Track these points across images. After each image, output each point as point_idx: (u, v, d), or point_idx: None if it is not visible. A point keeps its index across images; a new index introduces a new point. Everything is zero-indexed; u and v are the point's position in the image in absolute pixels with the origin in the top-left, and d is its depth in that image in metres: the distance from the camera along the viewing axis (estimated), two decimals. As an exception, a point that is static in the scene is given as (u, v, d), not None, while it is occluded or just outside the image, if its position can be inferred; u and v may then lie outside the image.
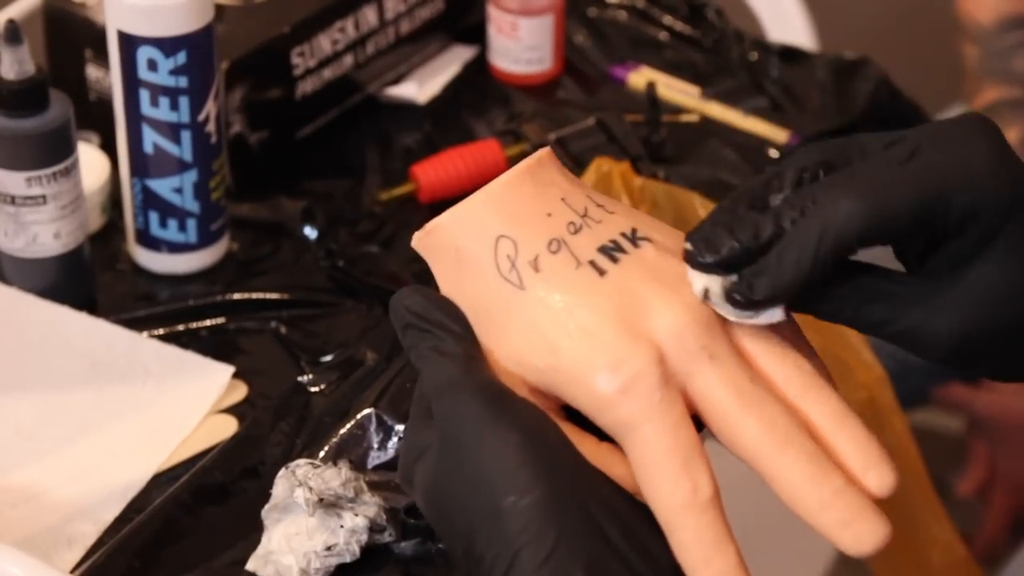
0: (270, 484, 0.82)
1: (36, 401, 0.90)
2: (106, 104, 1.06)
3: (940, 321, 0.64)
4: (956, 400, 1.46)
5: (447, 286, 0.67)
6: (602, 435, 0.65)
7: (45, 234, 0.94)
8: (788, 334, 0.66)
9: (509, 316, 0.65)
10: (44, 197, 0.93)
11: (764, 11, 1.30)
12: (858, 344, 1.02)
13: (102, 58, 1.05)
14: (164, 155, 0.97)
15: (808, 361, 0.66)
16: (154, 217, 0.98)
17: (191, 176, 0.97)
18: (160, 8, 0.92)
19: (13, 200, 0.93)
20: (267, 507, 0.81)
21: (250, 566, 0.81)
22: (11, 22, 0.90)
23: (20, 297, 0.95)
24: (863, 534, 0.61)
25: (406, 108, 1.15)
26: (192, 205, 0.98)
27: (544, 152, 0.68)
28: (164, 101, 0.95)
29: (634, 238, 0.66)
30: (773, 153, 1.11)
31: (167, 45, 0.94)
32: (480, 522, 0.61)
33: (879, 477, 0.63)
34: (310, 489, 0.79)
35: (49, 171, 0.92)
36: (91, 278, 0.98)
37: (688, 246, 0.64)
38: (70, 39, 1.06)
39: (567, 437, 0.63)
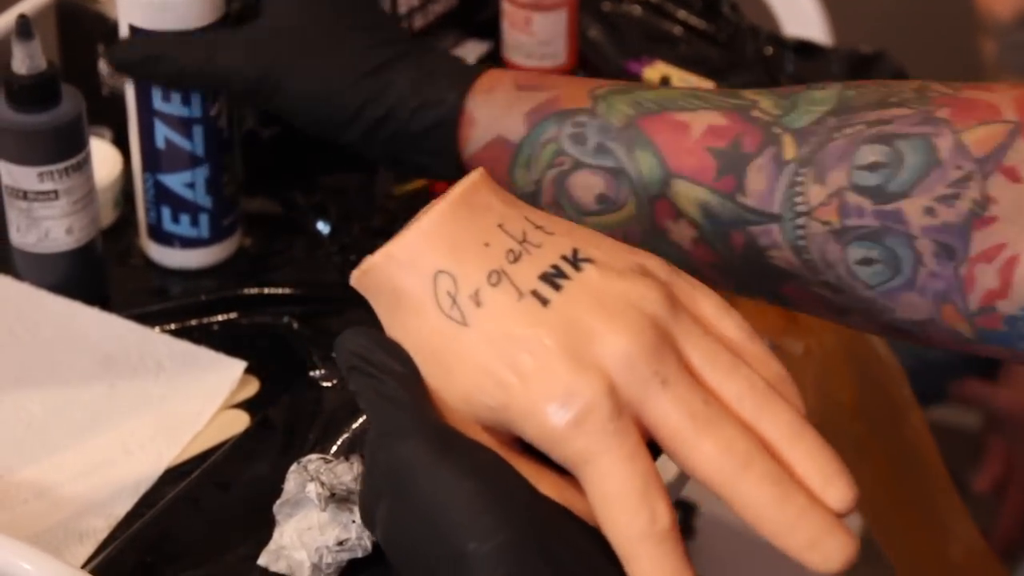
0: (282, 479, 0.81)
1: (48, 396, 0.90)
2: (119, 99, 1.06)
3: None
4: (974, 396, 1.45)
5: (390, 326, 0.66)
6: (562, 468, 0.64)
7: (57, 229, 0.94)
8: (740, 344, 0.65)
9: (455, 355, 0.63)
10: (56, 192, 0.93)
11: (779, 5, 1.29)
12: (876, 340, 1.01)
13: (115, 53, 1.05)
14: (176, 150, 0.96)
15: (763, 373, 0.65)
16: (166, 212, 0.98)
17: (203, 171, 0.97)
18: (171, 2, 0.92)
19: (25, 195, 0.93)
20: (279, 502, 0.81)
21: (262, 561, 0.80)
22: (22, 17, 0.90)
23: (32, 292, 0.95)
24: (831, 553, 0.61)
25: (419, 103, 1.14)
26: (204, 200, 0.98)
27: (477, 175, 0.66)
28: (176, 96, 0.95)
29: (575, 260, 0.65)
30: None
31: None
32: (443, 569, 0.60)
33: (838, 493, 0.62)
34: (322, 484, 0.79)
35: (61, 166, 0.92)
36: (103, 273, 0.98)
37: None
38: (82, 34, 1.06)
39: (523, 477, 0.62)
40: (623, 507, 0.61)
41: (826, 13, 1.28)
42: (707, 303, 0.66)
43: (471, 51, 1.18)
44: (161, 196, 0.98)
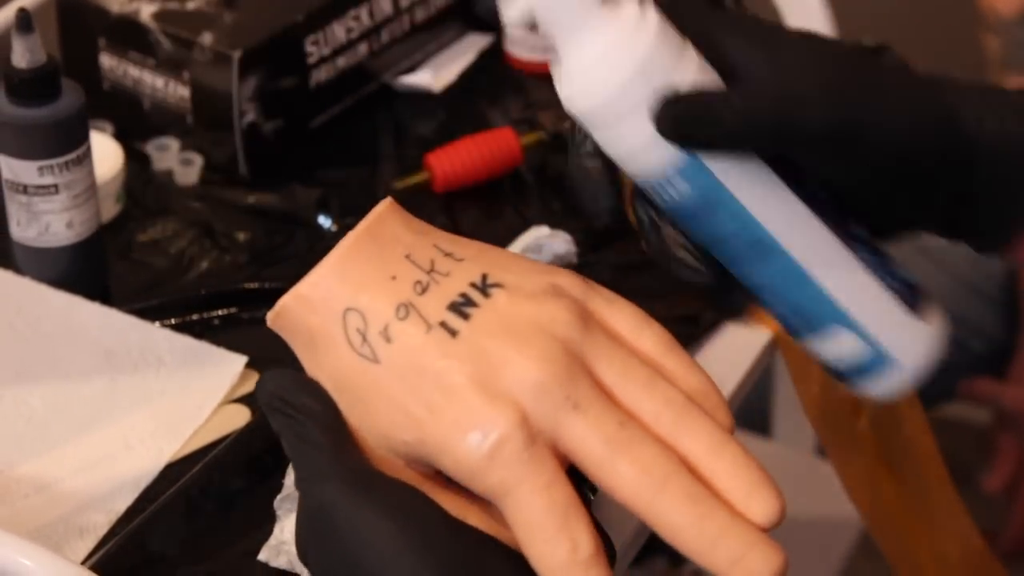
0: (283, 474, 0.81)
1: (49, 391, 0.90)
2: (120, 93, 1.06)
3: None
4: (983, 395, 1.44)
5: (308, 365, 0.65)
6: None
7: (58, 223, 0.94)
8: (659, 358, 0.65)
9: (369, 392, 0.63)
10: (56, 186, 0.93)
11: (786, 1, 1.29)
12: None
13: (115, 47, 1.05)
14: None
15: (684, 386, 0.64)
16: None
17: None
18: None
19: (25, 189, 0.93)
20: (279, 497, 0.81)
21: (262, 556, 0.80)
22: (22, 10, 0.90)
23: (33, 287, 0.95)
24: (755, 568, 0.60)
25: (421, 96, 1.14)
26: None
27: (383, 206, 0.66)
28: None
29: (484, 287, 0.64)
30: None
31: None
32: None
33: (761, 507, 0.61)
34: (322, 479, 0.79)
35: (61, 160, 0.92)
36: (104, 267, 0.98)
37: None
38: (83, 28, 1.06)
39: (445, 512, 0.62)
40: (544, 536, 0.60)
41: (829, 6, 1.28)
42: (623, 317, 0.65)
43: (472, 44, 1.18)
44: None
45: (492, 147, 1.07)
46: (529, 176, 1.08)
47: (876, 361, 0.68)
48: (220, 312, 0.97)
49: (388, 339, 0.63)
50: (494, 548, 0.62)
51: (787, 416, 1.52)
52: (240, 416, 0.90)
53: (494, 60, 1.17)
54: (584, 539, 0.60)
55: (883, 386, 0.69)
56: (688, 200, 0.66)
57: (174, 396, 0.90)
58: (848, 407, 1.02)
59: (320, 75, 1.08)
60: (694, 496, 0.61)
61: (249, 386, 0.92)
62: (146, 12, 1.04)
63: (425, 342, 0.62)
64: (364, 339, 0.63)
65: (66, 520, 0.83)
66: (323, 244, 1.02)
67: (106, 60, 1.06)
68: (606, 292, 0.66)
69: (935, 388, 1.45)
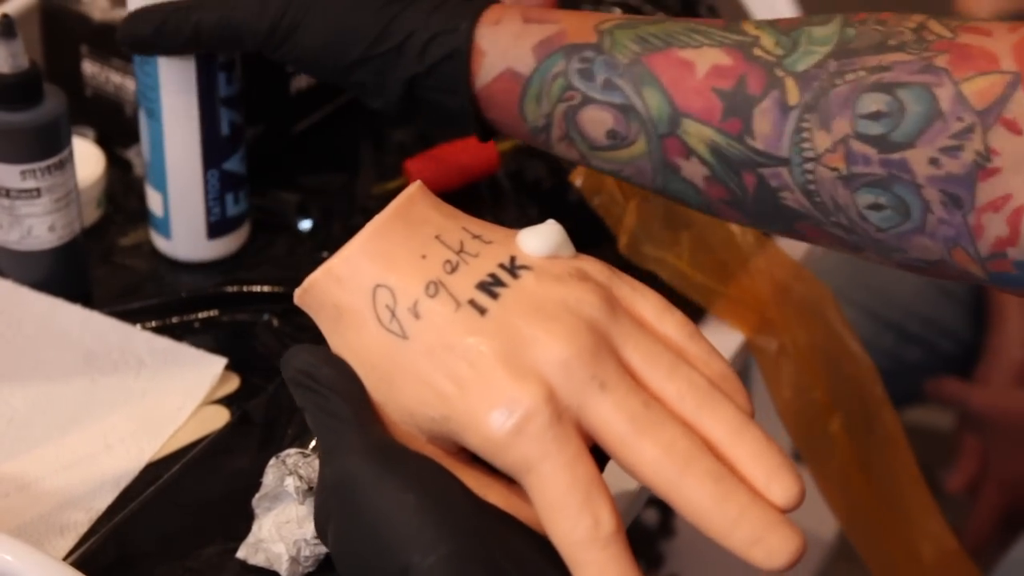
0: (261, 473, 0.82)
1: (30, 392, 0.91)
2: (102, 99, 1.07)
3: None
4: (949, 395, 1.46)
5: (334, 342, 0.66)
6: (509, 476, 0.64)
7: (40, 227, 0.95)
8: (682, 344, 0.66)
9: (396, 368, 0.64)
10: (38, 190, 0.94)
11: (757, 9, 1.30)
12: (847, 336, 1.02)
13: (98, 53, 1.06)
14: (237, 129, 0.98)
15: (706, 371, 0.65)
16: (230, 198, 0.99)
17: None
18: None
19: (8, 193, 0.94)
20: (257, 496, 0.81)
21: (240, 554, 0.81)
22: (5, 16, 0.91)
23: (15, 290, 0.96)
24: (774, 549, 0.61)
25: (400, 104, 1.15)
26: (244, 168, 1.00)
27: (415, 188, 0.67)
28: (234, 74, 0.96)
29: (513, 268, 0.65)
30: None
31: None
32: None
33: (782, 489, 0.62)
34: (300, 477, 0.80)
35: (43, 164, 0.93)
36: (85, 271, 0.98)
37: None
38: (66, 35, 1.07)
39: (467, 487, 0.62)
40: (566, 513, 0.61)
41: (798, 6, 1.29)
42: (648, 304, 0.66)
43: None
44: (227, 184, 0.98)
45: (470, 153, 1.08)
46: (506, 182, 1.09)
47: (163, 225, 0.98)
48: (200, 315, 0.98)
49: (417, 316, 0.64)
50: (515, 525, 0.63)
51: (760, 419, 1.51)
52: (219, 417, 0.91)
53: (473, 68, 1.18)
54: (606, 516, 0.61)
55: (161, 242, 1.00)
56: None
57: (154, 397, 0.91)
58: (821, 409, 1.03)
59: (300, 82, 1.09)
60: (716, 476, 0.61)
61: (228, 388, 0.93)
62: (128, 19, 1.05)
63: (454, 319, 0.63)
64: (393, 315, 0.64)
65: (47, 518, 0.84)
66: (303, 248, 1.03)
67: (88, 67, 1.07)
68: (629, 279, 0.67)
69: (903, 390, 1.46)
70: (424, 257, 0.64)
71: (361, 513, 0.61)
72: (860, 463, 1.06)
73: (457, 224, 0.66)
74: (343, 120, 1.13)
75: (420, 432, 0.64)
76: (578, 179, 1.05)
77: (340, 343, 0.65)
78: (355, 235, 0.65)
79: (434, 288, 0.64)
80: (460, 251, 0.65)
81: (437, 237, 0.65)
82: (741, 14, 1.30)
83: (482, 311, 0.63)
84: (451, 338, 0.63)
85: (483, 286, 0.64)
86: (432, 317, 0.63)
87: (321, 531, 0.63)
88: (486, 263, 0.65)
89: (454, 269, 0.65)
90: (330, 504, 0.62)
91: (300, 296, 0.66)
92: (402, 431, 0.64)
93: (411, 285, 0.64)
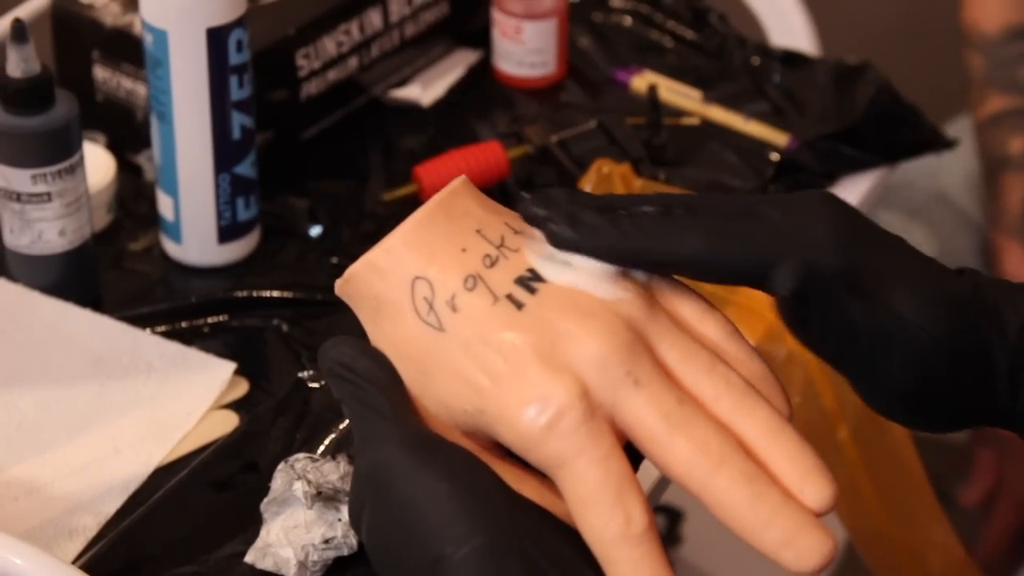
0: (270, 478, 0.82)
1: (39, 396, 0.91)
2: (113, 104, 1.07)
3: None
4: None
5: (372, 333, 0.66)
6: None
7: (50, 231, 0.95)
8: (721, 344, 0.66)
9: (433, 360, 0.64)
10: (49, 194, 0.94)
11: (767, 16, 1.30)
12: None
13: (109, 59, 1.06)
14: (248, 134, 0.98)
15: (744, 372, 0.65)
16: (240, 202, 1.00)
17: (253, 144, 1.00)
18: None
19: (19, 197, 0.94)
20: (266, 500, 0.82)
21: (249, 558, 0.81)
22: (17, 21, 0.91)
23: (25, 294, 0.96)
24: (805, 551, 0.60)
25: (410, 110, 1.16)
26: (255, 173, 1.00)
27: (458, 182, 0.66)
28: (246, 78, 0.97)
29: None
30: (774, 156, 1.12)
31: (245, 20, 0.96)
32: (421, 574, 0.60)
33: (815, 491, 0.61)
34: (308, 482, 0.80)
35: (54, 168, 0.93)
36: (96, 275, 0.99)
37: (526, 196, 0.65)
38: (78, 40, 1.07)
39: (501, 480, 0.62)
40: (598, 510, 0.61)
41: (812, 24, 1.30)
42: (688, 304, 0.66)
43: (461, 59, 1.19)
44: (238, 188, 0.99)
45: (480, 160, 1.08)
46: (516, 189, 1.09)
47: (174, 229, 1.00)
48: (210, 319, 0.98)
49: (454, 309, 0.64)
50: (548, 519, 0.63)
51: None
52: (228, 422, 0.91)
53: (482, 75, 1.19)
54: (638, 513, 0.61)
55: (171, 247, 1.01)
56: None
57: (163, 401, 0.91)
58: (828, 418, 1.03)
59: (311, 88, 1.09)
60: (748, 476, 0.61)
61: (237, 392, 0.93)
62: (140, 25, 1.06)
63: (491, 313, 0.63)
64: (431, 307, 0.64)
65: (56, 522, 0.84)
66: (313, 254, 1.03)
67: (100, 72, 1.07)
68: (671, 279, 0.67)
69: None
70: (464, 250, 0.65)
71: (395, 503, 0.61)
72: (868, 471, 1.06)
73: (499, 219, 0.66)
74: (353, 126, 1.13)
75: (456, 425, 0.64)
76: (587, 187, 1.05)
77: (379, 334, 0.66)
78: (398, 226, 0.66)
79: (472, 282, 0.64)
80: (500, 245, 0.65)
81: (478, 231, 0.65)
82: (752, 23, 1.30)
83: (519, 306, 0.64)
84: (487, 332, 0.63)
85: (521, 281, 0.64)
86: (469, 310, 0.64)
87: (355, 522, 0.64)
88: (526, 258, 0.65)
89: (493, 263, 0.65)
90: (364, 494, 0.62)
91: (341, 286, 0.67)
92: (438, 423, 0.64)
93: (450, 278, 0.64)
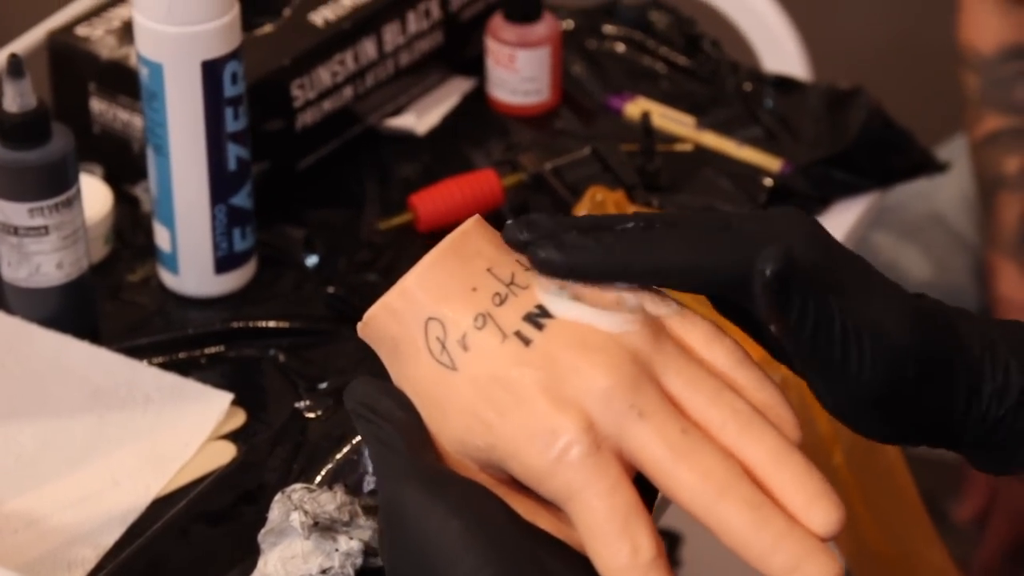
0: (267, 509, 0.83)
1: (38, 428, 0.91)
2: (110, 136, 1.08)
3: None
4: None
5: (393, 373, 0.68)
6: None
7: (48, 264, 0.96)
8: (730, 371, 0.67)
9: (446, 398, 0.65)
10: (46, 228, 0.94)
11: (759, 42, 1.31)
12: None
13: (105, 91, 1.07)
14: (244, 165, 0.99)
15: (754, 398, 0.65)
16: (237, 233, 1.00)
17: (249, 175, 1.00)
18: (234, 19, 0.95)
19: (16, 230, 0.94)
20: (263, 531, 0.82)
21: (246, 589, 0.82)
22: (14, 56, 0.92)
23: (23, 326, 0.97)
24: (811, 575, 0.61)
25: (405, 139, 1.16)
26: (251, 203, 1.01)
27: (470, 223, 0.68)
28: (240, 110, 0.97)
29: None
30: (767, 182, 1.13)
31: (240, 52, 0.97)
32: None
33: (822, 516, 0.62)
34: (305, 513, 0.80)
35: (51, 202, 0.94)
36: (93, 307, 0.99)
37: (509, 223, 0.66)
38: (74, 73, 1.08)
39: (513, 512, 0.64)
40: (605, 541, 0.62)
41: (805, 49, 1.30)
42: (696, 330, 0.67)
43: (455, 88, 1.20)
44: (234, 220, 1.00)
45: (475, 188, 1.09)
46: (511, 216, 1.10)
47: (171, 260, 1.00)
48: (207, 350, 0.98)
49: (465, 347, 0.65)
50: (560, 549, 0.64)
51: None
52: (226, 453, 0.91)
53: (477, 103, 1.19)
54: (645, 543, 0.62)
55: (169, 278, 1.02)
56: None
57: (161, 433, 0.92)
58: (823, 441, 1.04)
59: (306, 118, 1.10)
60: (753, 502, 0.62)
61: (235, 423, 0.93)
62: (135, 58, 1.06)
63: (500, 351, 0.65)
64: (443, 347, 0.66)
65: (55, 555, 0.85)
66: (310, 283, 1.04)
67: (96, 104, 1.08)
68: (679, 307, 0.68)
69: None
70: (475, 290, 0.66)
71: (409, 538, 0.63)
72: (863, 495, 1.06)
73: (511, 257, 0.68)
74: (348, 156, 1.14)
75: (471, 461, 0.65)
76: (582, 213, 1.05)
77: (399, 374, 0.67)
78: (412, 268, 0.67)
79: (482, 320, 0.66)
80: (510, 283, 0.67)
81: (489, 270, 0.67)
82: (745, 49, 1.31)
83: (527, 342, 0.65)
84: (496, 369, 0.65)
85: (529, 317, 0.66)
86: (479, 349, 0.65)
87: (381, 554, 0.66)
88: (535, 295, 0.66)
89: (503, 301, 0.66)
90: (385, 530, 0.64)
91: (361, 330, 0.69)
92: (455, 460, 0.66)
93: (461, 317, 0.66)
